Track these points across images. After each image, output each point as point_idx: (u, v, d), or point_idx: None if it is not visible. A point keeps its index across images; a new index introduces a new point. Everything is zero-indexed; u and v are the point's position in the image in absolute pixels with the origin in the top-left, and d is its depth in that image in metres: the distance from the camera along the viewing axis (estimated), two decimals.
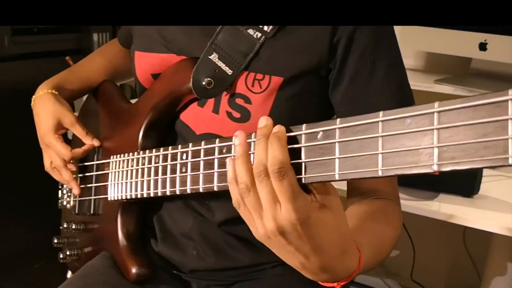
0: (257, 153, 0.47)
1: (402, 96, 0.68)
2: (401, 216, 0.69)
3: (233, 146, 0.54)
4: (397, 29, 1.39)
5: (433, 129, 0.35)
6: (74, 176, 0.88)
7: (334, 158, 0.43)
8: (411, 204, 0.94)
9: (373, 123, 0.40)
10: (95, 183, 0.85)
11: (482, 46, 1.32)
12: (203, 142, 0.60)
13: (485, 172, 0.99)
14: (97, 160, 0.86)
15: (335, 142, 0.43)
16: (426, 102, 1.14)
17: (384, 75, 0.66)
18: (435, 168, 0.35)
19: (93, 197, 0.86)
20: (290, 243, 0.48)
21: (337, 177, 0.42)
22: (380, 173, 0.39)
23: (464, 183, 0.96)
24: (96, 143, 0.85)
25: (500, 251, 1.17)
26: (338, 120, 0.43)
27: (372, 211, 0.64)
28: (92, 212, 0.86)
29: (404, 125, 0.37)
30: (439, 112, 0.35)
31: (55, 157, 0.84)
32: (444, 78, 1.40)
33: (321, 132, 0.44)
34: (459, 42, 1.35)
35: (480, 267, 1.46)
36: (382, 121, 0.39)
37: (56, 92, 0.87)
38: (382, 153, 0.38)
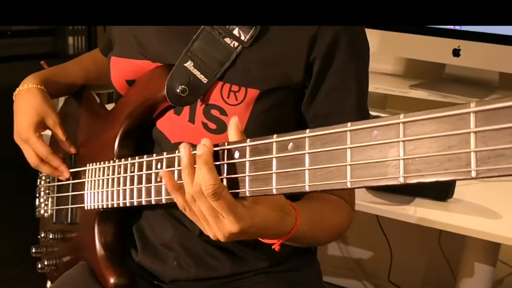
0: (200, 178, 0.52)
1: (365, 113, 0.71)
2: (349, 215, 0.73)
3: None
4: (376, 35, 1.42)
5: (398, 141, 0.36)
6: (51, 184, 0.87)
7: (304, 170, 0.43)
8: (387, 208, 0.95)
9: (342, 134, 0.40)
10: (72, 191, 0.85)
11: (456, 52, 1.34)
12: (177, 151, 0.60)
13: None
14: (73, 167, 0.85)
15: (305, 153, 0.43)
16: (401, 107, 1.15)
17: (357, 93, 0.68)
18: (401, 180, 0.36)
19: (70, 206, 0.85)
20: (242, 237, 0.55)
21: (307, 189, 0.43)
22: (349, 185, 0.39)
23: (439, 188, 0.98)
24: (72, 150, 0.84)
25: (474, 253, 1.19)
26: (307, 130, 0.44)
27: (321, 198, 0.69)
28: (69, 221, 0.85)
29: (371, 136, 0.38)
30: (404, 123, 0.36)
31: (31, 154, 0.82)
32: (419, 83, 1.42)
33: (291, 143, 0.45)
34: (433, 48, 1.38)
35: (455, 268, 1.48)
36: (350, 130, 0.40)
37: (44, 88, 0.85)
38: (350, 164, 0.39)
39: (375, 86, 1.43)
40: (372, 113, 1.35)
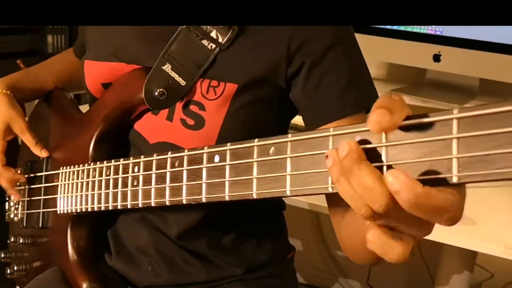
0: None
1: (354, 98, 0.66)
2: None
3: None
4: (358, 39, 1.42)
5: (382, 146, 0.35)
6: (22, 187, 0.85)
7: (286, 175, 0.42)
8: None
9: (325, 139, 0.39)
10: (44, 195, 0.82)
11: (436, 58, 1.35)
12: (155, 154, 0.59)
13: None
14: (46, 171, 0.83)
15: (286, 158, 0.42)
16: None
17: (348, 76, 0.65)
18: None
19: (41, 210, 0.82)
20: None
21: (288, 193, 0.42)
22: (330, 190, 0.38)
23: None
24: (44, 154, 0.82)
25: (451, 259, 1.19)
26: (290, 134, 0.43)
27: None
28: (41, 225, 0.83)
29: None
30: None
31: None
32: (400, 88, 1.43)
33: (273, 147, 0.43)
34: (414, 53, 1.38)
35: (434, 272, 1.49)
36: (333, 135, 0.39)
37: (11, 94, 0.83)
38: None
39: None
40: None
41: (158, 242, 0.74)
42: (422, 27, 1.37)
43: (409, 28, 1.39)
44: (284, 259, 0.84)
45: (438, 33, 1.35)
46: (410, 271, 1.64)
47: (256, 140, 0.45)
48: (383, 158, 0.35)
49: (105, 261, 0.79)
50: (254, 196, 0.45)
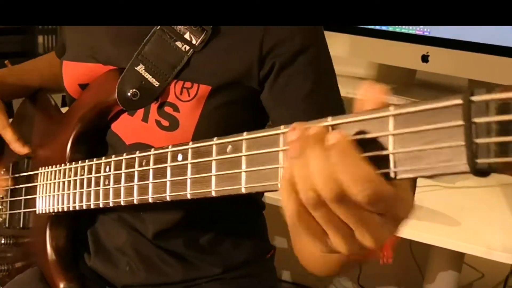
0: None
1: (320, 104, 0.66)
2: None
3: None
4: (347, 39, 1.42)
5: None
6: (5, 188, 0.86)
7: (241, 172, 0.43)
8: None
9: (276, 137, 0.40)
10: (25, 195, 0.83)
11: (424, 58, 1.35)
12: (124, 154, 0.59)
13: (420, 182, 1.02)
14: (28, 171, 0.84)
15: (241, 156, 0.43)
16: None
17: (313, 82, 0.65)
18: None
19: (22, 210, 0.83)
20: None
21: (243, 191, 0.43)
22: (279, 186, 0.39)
23: None
24: (26, 150, 0.83)
25: (439, 259, 1.19)
26: (245, 133, 0.43)
27: None
28: (22, 225, 0.83)
29: None
30: (332, 126, 0.36)
31: None
32: (389, 88, 1.43)
33: (230, 145, 0.44)
34: (403, 54, 1.38)
35: (425, 271, 1.49)
36: (283, 133, 0.39)
37: None
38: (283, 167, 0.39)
39: (346, 90, 1.43)
40: None
41: (136, 242, 0.75)
42: (410, 27, 1.38)
43: (397, 29, 1.39)
44: (263, 259, 0.84)
45: (426, 33, 1.35)
46: (401, 270, 1.64)
47: (215, 138, 0.46)
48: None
49: (84, 261, 0.79)
50: (213, 194, 0.46)
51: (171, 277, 0.75)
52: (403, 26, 1.38)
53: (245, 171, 0.42)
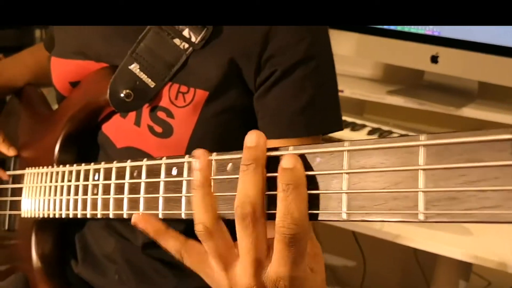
0: (244, 186, 0.36)
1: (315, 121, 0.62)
2: None
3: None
4: (354, 38, 1.37)
5: (342, 173, 0.31)
6: None
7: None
8: (359, 222, 0.91)
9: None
10: (11, 196, 0.78)
11: (434, 59, 1.30)
12: (115, 162, 0.54)
13: None
14: (14, 170, 0.79)
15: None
16: (379, 113, 1.10)
17: (303, 105, 0.61)
18: (344, 216, 0.30)
19: (8, 212, 0.79)
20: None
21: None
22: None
23: None
24: (12, 152, 0.78)
25: (447, 267, 1.16)
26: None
27: None
28: (7, 228, 0.79)
29: (314, 163, 0.33)
30: (349, 151, 0.31)
31: None
32: (396, 89, 1.38)
33: (230, 163, 0.39)
34: (411, 54, 1.34)
35: (430, 277, 1.45)
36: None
37: None
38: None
39: (352, 90, 1.39)
40: (348, 118, 1.32)
41: (125, 250, 0.71)
42: (420, 27, 1.33)
43: (406, 28, 1.34)
44: None
45: (436, 33, 1.31)
46: (406, 277, 1.60)
47: (214, 154, 0.41)
48: (343, 185, 0.31)
49: (71, 267, 0.75)
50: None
51: (163, 287, 0.71)
52: (412, 26, 1.33)
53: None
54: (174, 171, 0.45)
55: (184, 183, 0.44)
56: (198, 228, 0.38)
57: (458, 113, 1.26)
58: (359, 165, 0.30)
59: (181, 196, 0.44)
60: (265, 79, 0.61)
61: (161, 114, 0.62)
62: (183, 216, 0.44)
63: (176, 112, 0.62)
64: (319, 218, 0.32)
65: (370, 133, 1.27)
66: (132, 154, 0.64)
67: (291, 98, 0.60)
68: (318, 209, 0.32)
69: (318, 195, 0.32)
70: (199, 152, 0.40)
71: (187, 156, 0.44)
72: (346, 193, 0.30)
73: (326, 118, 0.63)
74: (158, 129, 0.63)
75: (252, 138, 0.36)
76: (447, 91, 1.35)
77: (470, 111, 1.27)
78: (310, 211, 0.33)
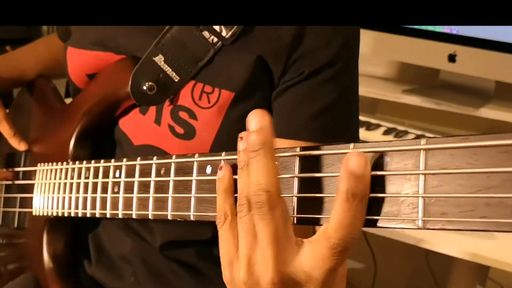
0: (256, 173, 0.34)
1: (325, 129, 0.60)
2: None
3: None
4: (370, 36, 1.34)
5: (418, 174, 0.27)
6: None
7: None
8: None
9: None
10: (21, 192, 0.75)
11: (451, 58, 1.27)
12: (139, 158, 0.51)
13: None
14: (24, 166, 0.75)
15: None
16: (393, 113, 1.06)
17: (322, 109, 0.58)
18: (419, 224, 0.27)
19: (17, 209, 0.75)
20: None
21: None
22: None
23: None
24: (23, 147, 0.74)
25: (462, 272, 1.13)
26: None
27: None
28: (16, 225, 0.76)
29: (383, 163, 0.29)
30: (425, 150, 0.27)
31: None
32: (412, 88, 1.35)
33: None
34: (428, 53, 1.31)
35: (441, 282, 1.42)
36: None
37: None
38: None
39: (366, 89, 1.36)
40: (362, 118, 1.29)
41: (143, 251, 0.67)
42: None
43: (423, 26, 1.30)
44: None
45: (454, 32, 1.27)
46: (416, 281, 1.57)
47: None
48: (419, 188, 0.27)
49: (84, 268, 0.71)
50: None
51: None
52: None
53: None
54: (209, 170, 0.41)
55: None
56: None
57: (476, 114, 1.23)
58: (439, 165, 0.26)
59: (216, 197, 0.40)
60: (289, 79, 0.58)
61: (183, 115, 0.59)
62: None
63: (199, 114, 0.58)
64: (389, 225, 0.29)
65: (386, 133, 1.25)
66: (150, 152, 0.61)
67: (309, 100, 0.58)
68: (387, 215, 0.29)
69: (386, 199, 0.29)
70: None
71: (224, 153, 0.40)
72: (422, 197, 0.27)
73: (347, 124, 0.61)
74: (180, 130, 0.59)
75: (256, 119, 0.34)
76: (463, 91, 1.32)
77: (487, 112, 1.24)
78: (378, 217, 0.29)
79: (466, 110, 1.23)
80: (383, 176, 0.29)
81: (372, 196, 0.29)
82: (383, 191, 0.29)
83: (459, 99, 1.27)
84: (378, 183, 0.29)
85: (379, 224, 0.29)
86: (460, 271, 1.13)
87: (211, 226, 0.51)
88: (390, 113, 1.45)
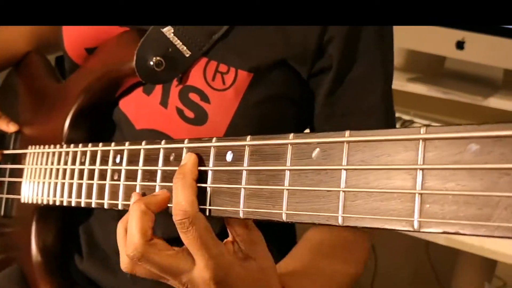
0: (176, 195, 0.39)
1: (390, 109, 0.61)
2: (367, 252, 0.62)
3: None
4: None
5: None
6: None
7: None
8: None
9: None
10: (9, 177, 0.69)
11: (460, 45, 1.23)
12: (144, 142, 0.45)
13: None
14: (14, 148, 0.69)
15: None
16: (398, 102, 1.03)
17: (383, 82, 0.58)
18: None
19: (5, 196, 0.69)
20: None
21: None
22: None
23: None
24: (12, 128, 0.68)
25: (468, 268, 1.09)
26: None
27: (331, 243, 0.57)
28: (3, 213, 0.70)
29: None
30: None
31: None
32: (418, 77, 1.30)
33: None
34: (435, 39, 1.26)
35: (442, 277, 1.40)
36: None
37: None
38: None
39: None
40: None
41: None
42: None
43: None
44: None
45: None
46: (417, 277, 1.54)
47: (291, 135, 0.32)
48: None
49: (75, 263, 0.65)
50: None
51: None
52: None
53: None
54: (229, 156, 0.36)
55: (244, 173, 0.34)
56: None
57: (485, 104, 1.19)
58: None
59: (239, 189, 0.35)
60: (323, 68, 0.55)
61: (193, 97, 0.53)
62: (241, 215, 0.35)
63: (212, 96, 0.53)
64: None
65: None
66: (154, 137, 0.55)
67: (369, 84, 0.56)
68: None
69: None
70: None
71: (249, 137, 0.35)
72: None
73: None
74: (189, 113, 0.53)
75: (185, 157, 0.40)
76: (470, 80, 1.28)
77: (495, 101, 1.20)
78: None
79: (476, 100, 1.19)
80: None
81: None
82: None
83: (466, 88, 1.23)
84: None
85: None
86: (465, 268, 1.09)
87: (219, 221, 0.47)
88: (395, 102, 1.40)
